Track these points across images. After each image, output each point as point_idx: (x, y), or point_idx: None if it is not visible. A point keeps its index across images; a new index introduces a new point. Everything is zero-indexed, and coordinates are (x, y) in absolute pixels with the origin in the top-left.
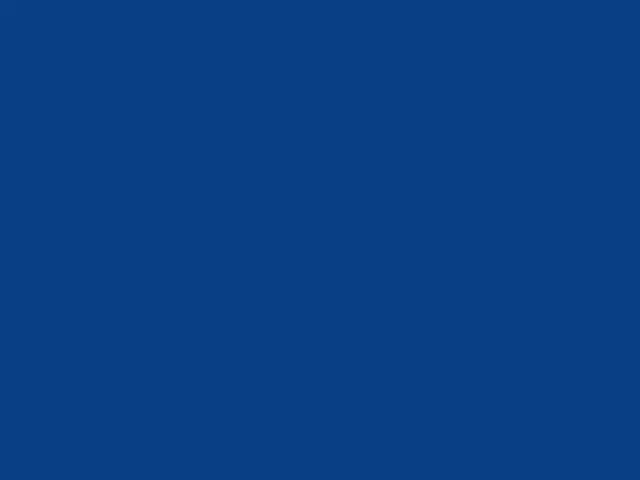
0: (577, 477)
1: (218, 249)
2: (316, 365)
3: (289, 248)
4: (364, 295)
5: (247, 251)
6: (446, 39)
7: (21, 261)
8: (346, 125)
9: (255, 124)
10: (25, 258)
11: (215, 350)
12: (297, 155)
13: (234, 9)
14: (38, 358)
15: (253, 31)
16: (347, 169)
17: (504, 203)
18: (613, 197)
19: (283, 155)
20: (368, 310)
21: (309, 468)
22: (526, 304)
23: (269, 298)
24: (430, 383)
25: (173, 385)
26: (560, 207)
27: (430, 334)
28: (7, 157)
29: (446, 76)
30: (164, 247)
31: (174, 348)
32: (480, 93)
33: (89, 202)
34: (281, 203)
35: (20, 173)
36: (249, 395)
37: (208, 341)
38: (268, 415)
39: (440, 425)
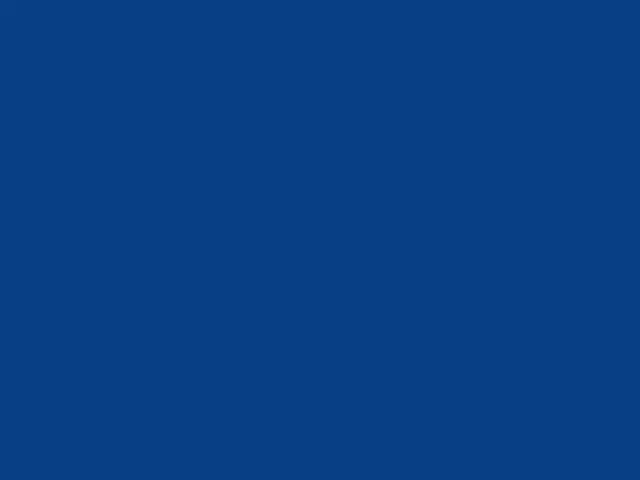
0: (577, 477)
1: (218, 249)
2: (316, 365)
3: (289, 248)
4: (364, 295)
5: (247, 251)
6: (446, 39)
7: (21, 261)
8: (346, 125)
9: (255, 124)
10: (25, 258)
11: (215, 350)
12: (297, 155)
13: (234, 9)
14: (38, 358)
15: (253, 31)
16: (347, 169)
17: (504, 203)
18: (613, 197)
19: (283, 155)
20: (368, 310)
21: (309, 468)
22: (526, 304)
23: (269, 298)
24: (430, 383)
25: (173, 385)
26: (560, 207)
27: (430, 334)
28: (7, 157)
29: (446, 76)
30: (164, 247)
31: (174, 348)
32: (480, 93)
33: (89, 202)
34: (281, 203)
35: (20, 173)
36: (249, 395)
37: (208, 341)
38: (268, 415)
39: (440, 425)
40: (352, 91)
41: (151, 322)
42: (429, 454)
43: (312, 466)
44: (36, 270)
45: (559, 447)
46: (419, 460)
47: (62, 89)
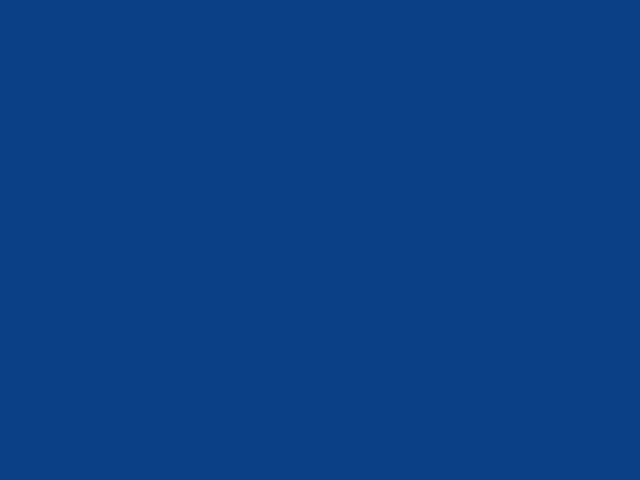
0: (577, 477)
1: (218, 249)
2: (316, 365)
3: (289, 248)
4: (364, 295)
5: (247, 251)
6: (446, 39)
7: (21, 261)
8: (346, 125)
9: (255, 124)
10: (25, 258)
11: (215, 350)
12: (297, 155)
13: (234, 9)
14: (38, 358)
15: (253, 31)
16: (347, 169)
17: (504, 203)
18: (613, 197)
19: (283, 155)
20: (368, 310)
21: (309, 468)
22: (526, 304)
23: (269, 298)
24: (430, 383)
25: (173, 385)
26: (560, 207)
27: (430, 334)
28: (7, 157)
29: (446, 76)
30: (164, 247)
31: (174, 348)
32: (480, 93)
33: (89, 202)
34: (281, 203)
35: (20, 173)
36: (249, 395)
37: (208, 341)
38: (268, 415)
39: (440, 425)
40: (352, 91)
41: (151, 322)
42: (429, 454)
43: (312, 466)
44: (36, 270)
45: (559, 447)
46: (419, 460)
47: (62, 89)
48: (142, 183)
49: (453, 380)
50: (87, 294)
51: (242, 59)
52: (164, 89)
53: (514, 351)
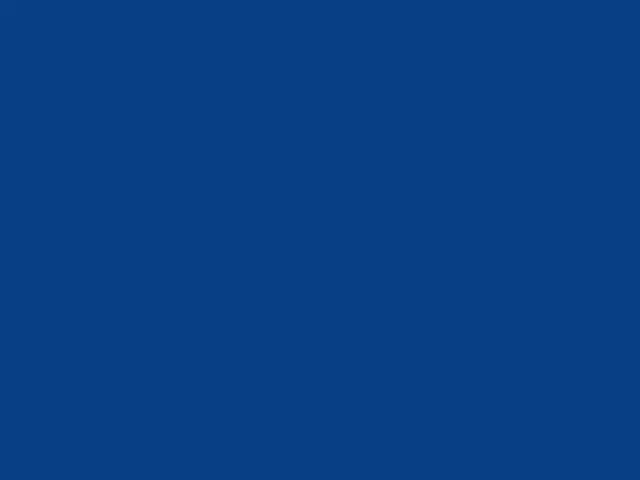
0: (577, 477)
1: (218, 249)
2: (316, 365)
3: (289, 248)
4: (364, 295)
5: (247, 251)
6: (446, 39)
7: (21, 261)
8: (346, 125)
9: (255, 124)
10: (25, 258)
11: (215, 350)
12: (297, 155)
13: (234, 9)
14: (38, 358)
15: (253, 31)
16: (347, 169)
17: (504, 203)
18: (613, 197)
19: (283, 155)
20: (368, 310)
21: (309, 468)
22: (526, 304)
23: (269, 298)
24: (430, 383)
25: (173, 385)
26: (560, 207)
27: (430, 334)
28: (7, 157)
29: (446, 76)
30: (164, 247)
31: (174, 348)
32: (480, 93)
33: (89, 202)
34: (281, 203)
35: (20, 173)
36: (249, 395)
37: (208, 341)
38: (268, 415)
39: (440, 425)
40: (352, 91)
41: (151, 322)
42: (429, 454)
43: (312, 466)
44: (36, 270)
45: (559, 447)
46: (419, 460)
47: (62, 89)
48: (142, 182)
49: (453, 380)
50: (87, 294)
51: (242, 59)
52: (164, 89)
53: (514, 351)
